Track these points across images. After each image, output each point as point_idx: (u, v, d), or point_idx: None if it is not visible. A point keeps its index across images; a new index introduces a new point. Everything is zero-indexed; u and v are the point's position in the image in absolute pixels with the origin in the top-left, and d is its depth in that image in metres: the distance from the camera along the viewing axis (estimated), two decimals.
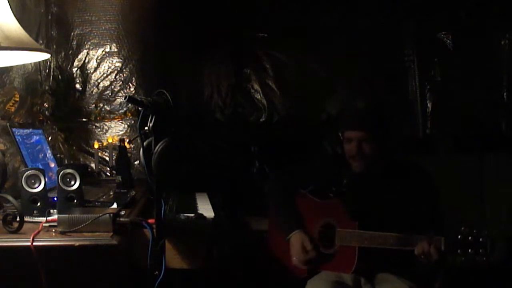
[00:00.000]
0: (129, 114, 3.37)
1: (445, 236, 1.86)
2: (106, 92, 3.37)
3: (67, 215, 1.55)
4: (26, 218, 1.58)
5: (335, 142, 3.41)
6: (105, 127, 3.36)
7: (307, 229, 2.12)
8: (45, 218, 1.61)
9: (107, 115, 3.37)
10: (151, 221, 1.62)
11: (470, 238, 1.82)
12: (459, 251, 1.83)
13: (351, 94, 3.59)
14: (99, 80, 3.37)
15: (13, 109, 2.82)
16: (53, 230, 1.55)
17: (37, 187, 1.73)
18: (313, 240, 2.08)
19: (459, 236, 1.83)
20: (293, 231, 2.12)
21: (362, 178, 2.10)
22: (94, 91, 3.37)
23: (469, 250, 1.82)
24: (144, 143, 1.58)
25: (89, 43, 3.35)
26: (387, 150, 2.10)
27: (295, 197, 2.25)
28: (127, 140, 3.04)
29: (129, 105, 3.32)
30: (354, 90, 3.61)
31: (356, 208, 2.04)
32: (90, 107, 3.37)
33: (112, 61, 3.36)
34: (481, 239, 1.81)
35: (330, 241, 2.06)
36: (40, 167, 2.11)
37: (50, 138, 3.22)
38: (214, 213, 2.07)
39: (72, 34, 3.33)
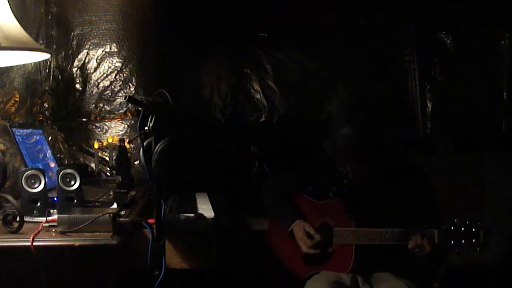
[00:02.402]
0: (129, 114, 3.37)
1: (438, 229, 1.87)
2: (106, 92, 3.37)
3: (67, 215, 1.55)
4: (26, 218, 1.59)
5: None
6: (105, 127, 3.36)
7: None
8: (45, 218, 1.61)
9: (107, 115, 3.37)
10: (151, 221, 1.62)
11: (463, 229, 1.84)
12: (452, 242, 1.84)
13: (351, 94, 3.59)
14: (99, 80, 3.37)
15: (13, 109, 2.82)
16: (53, 230, 1.55)
17: (37, 187, 1.73)
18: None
19: (452, 228, 1.85)
20: (294, 221, 2.13)
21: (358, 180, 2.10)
22: (94, 91, 3.37)
23: (463, 241, 1.84)
24: (144, 143, 1.58)
25: (89, 43, 3.35)
26: (382, 158, 2.10)
27: (293, 198, 2.25)
28: (127, 140, 3.04)
29: (129, 105, 3.32)
30: (354, 91, 3.62)
31: (353, 208, 2.04)
32: (90, 107, 3.37)
33: (112, 61, 3.36)
34: (474, 230, 1.83)
35: (328, 241, 2.07)
36: (40, 167, 2.11)
37: (50, 138, 3.22)
38: (214, 213, 2.07)
39: (72, 34, 3.33)
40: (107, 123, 3.37)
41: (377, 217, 2.01)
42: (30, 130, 2.33)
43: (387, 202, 2.04)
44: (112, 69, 3.36)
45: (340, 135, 2.02)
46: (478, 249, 1.84)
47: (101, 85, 3.37)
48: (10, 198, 1.62)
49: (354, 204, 2.06)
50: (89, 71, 3.37)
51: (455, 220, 1.86)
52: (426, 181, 2.10)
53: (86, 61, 3.36)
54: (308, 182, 2.25)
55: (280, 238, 2.22)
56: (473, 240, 1.83)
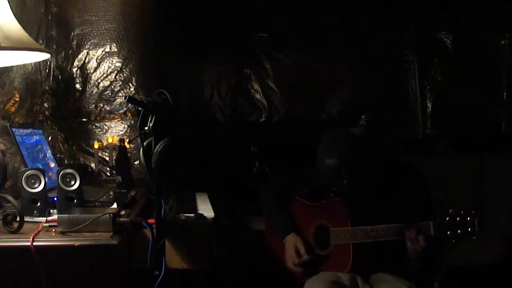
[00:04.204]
0: (129, 114, 3.37)
1: (433, 220, 1.87)
2: (106, 92, 3.37)
3: (67, 215, 1.55)
4: (26, 218, 1.59)
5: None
6: (105, 127, 3.36)
7: (302, 232, 2.13)
8: (45, 218, 1.61)
9: (107, 115, 3.37)
10: (151, 221, 1.62)
11: (458, 219, 1.85)
12: (448, 233, 1.85)
13: (351, 95, 3.60)
14: (99, 80, 3.36)
15: (13, 109, 2.82)
16: (53, 230, 1.55)
17: (37, 187, 1.72)
18: (307, 243, 2.09)
19: (447, 218, 1.85)
20: (288, 235, 2.13)
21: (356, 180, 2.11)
22: (94, 91, 3.37)
23: (459, 231, 1.84)
24: (144, 143, 1.58)
25: (89, 43, 3.34)
26: (380, 159, 2.10)
27: (289, 202, 2.26)
28: (127, 140, 3.04)
29: (129, 105, 3.32)
30: (354, 90, 3.63)
31: (348, 208, 2.05)
32: (90, 107, 3.37)
33: (112, 61, 3.36)
34: (469, 218, 1.83)
35: (325, 242, 2.07)
36: (40, 167, 2.11)
37: (50, 138, 3.22)
38: (214, 213, 2.07)
39: (72, 34, 3.33)
40: (107, 123, 3.37)
41: (374, 216, 2.01)
42: (30, 130, 2.33)
43: (384, 202, 2.04)
44: (112, 69, 3.36)
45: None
46: (474, 238, 1.85)
47: (101, 85, 3.37)
48: (10, 198, 1.62)
49: (351, 204, 2.06)
50: (89, 71, 3.36)
51: (450, 210, 1.87)
52: (421, 179, 2.11)
53: (86, 61, 3.36)
54: (308, 183, 2.25)
55: (276, 242, 2.22)
56: (469, 229, 1.84)
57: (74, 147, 3.30)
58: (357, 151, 2.02)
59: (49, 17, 3.30)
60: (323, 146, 2.10)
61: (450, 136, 3.66)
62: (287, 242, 2.12)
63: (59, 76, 3.30)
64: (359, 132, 2.07)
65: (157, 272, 1.55)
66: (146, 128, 1.56)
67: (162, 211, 1.60)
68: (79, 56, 3.35)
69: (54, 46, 3.32)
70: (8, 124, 2.23)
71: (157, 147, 1.54)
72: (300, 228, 2.15)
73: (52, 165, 2.41)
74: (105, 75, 3.36)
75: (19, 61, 2.09)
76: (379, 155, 2.08)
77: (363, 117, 2.10)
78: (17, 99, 2.86)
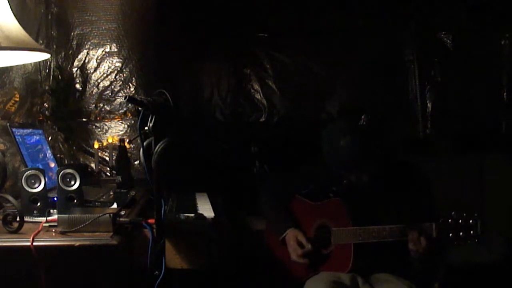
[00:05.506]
0: (129, 114, 3.37)
1: (436, 222, 1.87)
2: (106, 92, 3.37)
3: (67, 215, 1.55)
4: (26, 218, 1.59)
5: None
6: (105, 127, 3.36)
7: (303, 230, 2.13)
8: (45, 218, 1.61)
9: (107, 115, 3.37)
10: (151, 221, 1.62)
11: (460, 221, 1.86)
12: (450, 235, 1.85)
13: (351, 95, 3.60)
14: (99, 80, 3.37)
15: (13, 109, 2.82)
16: (53, 230, 1.55)
17: (37, 187, 1.72)
18: (307, 236, 2.10)
19: (449, 220, 1.86)
20: (287, 229, 2.13)
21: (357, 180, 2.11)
22: (94, 91, 3.37)
23: (461, 233, 1.84)
24: (144, 143, 1.58)
25: (89, 43, 3.35)
26: (382, 159, 2.10)
27: (290, 201, 2.26)
28: (127, 140, 3.04)
29: (129, 105, 3.32)
30: (354, 90, 3.63)
31: (350, 208, 2.05)
32: (90, 107, 3.37)
33: (112, 61, 3.36)
34: (471, 221, 1.84)
35: (327, 242, 2.07)
36: (40, 167, 2.11)
37: (50, 138, 3.22)
38: (214, 213, 2.07)
39: (72, 34, 3.33)
40: (107, 123, 3.37)
41: (375, 216, 2.01)
42: (30, 130, 2.32)
43: (385, 202, 2.04)
44: (112, 69, 3.36)
45: (339, 148, 2.02)
46: (476, 240, 1.85)
47: (101, 85, 3.37)
48: (10, 198, 1.62)
49: (353, 204, 2.06)
50: (89, 71, 3.37)
51: (452, 212, 1.87)
52: (422, 179, 2.11)
53: (86, 61, 3.36)
54: (308, 182, 2.25)
55: (276, 241, 2.22)
56: (471, 232, 1.85)
57: (74, 147, 3.31)
58: (360, 148, 2.02)
59: (49, 17, 3.30)
60: (327, 139, 2.09)
61: (450, 136, 3.66)
62: (287, 235, 2.12)
63: (59, 76, 3.30)
64: (359, 131, 2.07)
65: (157, 272, 1.55)
66: (146, 128, 1.56)
67: (162, 211, 1.60)
68: (79, 56, 3.35)
69: (54, 46, 3.32)
70: (8, 124, 2.23)
71: (157, 147, 1.54)
72: (301, 227, 2.15)
73: (52, 165, 2.41)
74: (105, 75, 3.36)
75: (19, 61, 2.09)
76: (379, 154, 2.08)
77: (363, 117, 2.09)
78: (17, 99, 2.86)
